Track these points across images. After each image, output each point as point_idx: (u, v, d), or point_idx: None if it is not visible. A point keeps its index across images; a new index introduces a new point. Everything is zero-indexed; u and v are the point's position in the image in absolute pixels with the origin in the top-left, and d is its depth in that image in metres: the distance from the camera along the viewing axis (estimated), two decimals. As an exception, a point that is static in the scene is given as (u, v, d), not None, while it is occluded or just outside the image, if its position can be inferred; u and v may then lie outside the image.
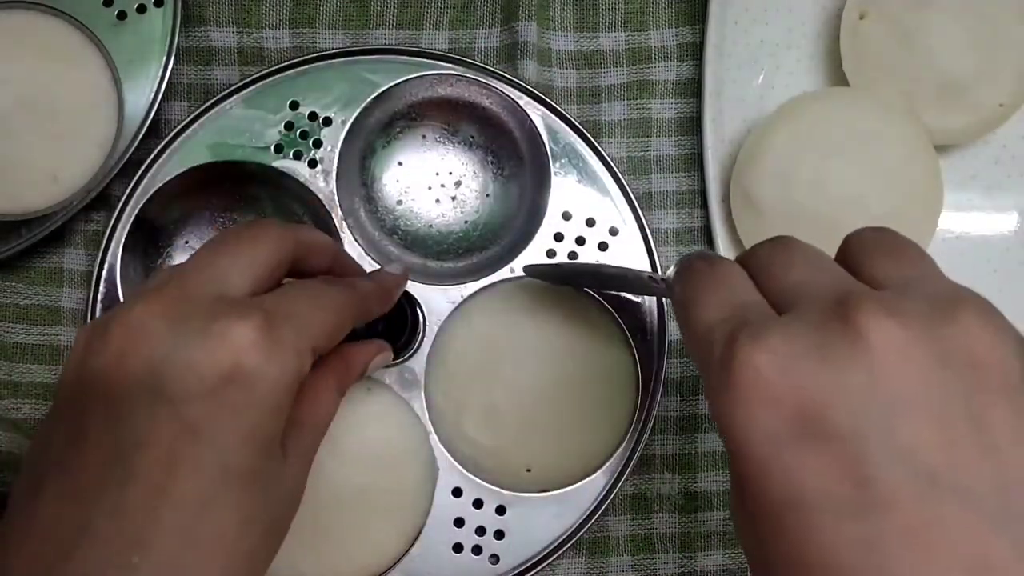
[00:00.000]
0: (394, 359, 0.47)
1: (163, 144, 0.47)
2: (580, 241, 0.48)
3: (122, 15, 0.47)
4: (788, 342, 0.23)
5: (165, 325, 0.28)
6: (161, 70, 0.47)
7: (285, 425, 0.30)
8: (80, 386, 0.29)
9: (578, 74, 0.51)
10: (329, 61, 0.48)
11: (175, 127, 0.47)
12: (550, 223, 0.48)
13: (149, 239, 0.49)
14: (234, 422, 0.28)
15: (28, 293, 0.49)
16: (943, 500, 0.21)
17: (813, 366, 0.23)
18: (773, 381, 0.23)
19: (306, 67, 0.48)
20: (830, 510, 0.22)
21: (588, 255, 0.48)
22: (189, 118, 0.47)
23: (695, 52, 0.51)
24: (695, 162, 0.50)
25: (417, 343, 0.47)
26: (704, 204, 0.50)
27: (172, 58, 0.47)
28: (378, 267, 0.47)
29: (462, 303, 0.47)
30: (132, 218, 0.47)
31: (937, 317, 0.23)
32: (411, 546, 0.46)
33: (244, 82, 0.48)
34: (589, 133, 0.48)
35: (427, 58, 0.48)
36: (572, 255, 0.48)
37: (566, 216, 0.48)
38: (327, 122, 0.48)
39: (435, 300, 0.47)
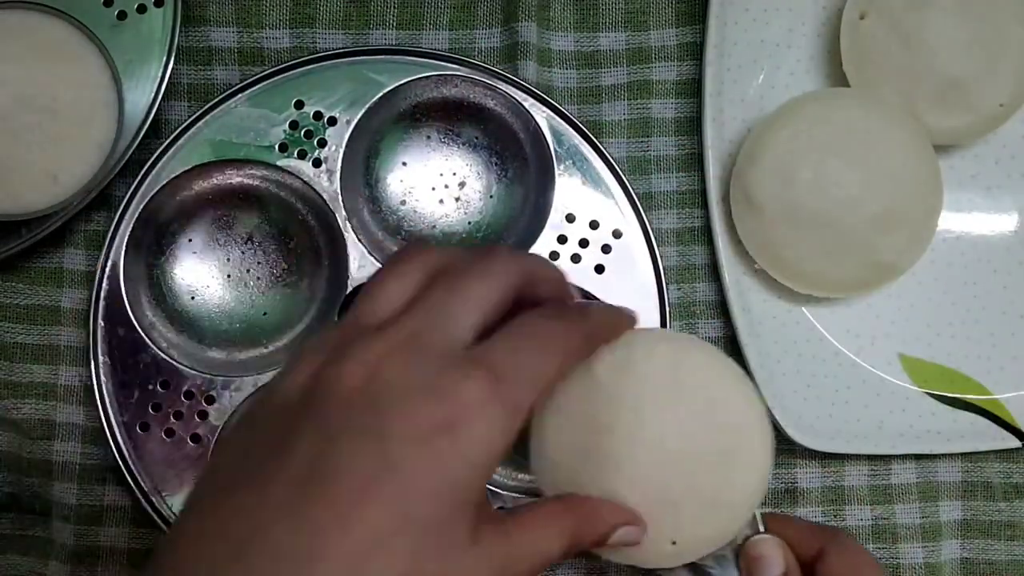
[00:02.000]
0: None
1: (167, 142, 0.47)
2: (584, 243, 0.48)
3: (122, 15, 0.47)
4: None
5: (398, 372, 0.29)
6: (161, 70, 0.47)
7: (486, 520, 0.30)
8: (300, 405, 0.30)
9: (578, 74, 0.51)
10: (334, 61, 0.48)
11: (176, 127, 0.47)
12: (554, 225, 0.48)
13: (153, 237, 0.49)
14: (435, 472, 0.28)
15: (28, 293, 0.49)
16: None
17: None
18: None
19: (311, 67, 0.48)
20: None
21: (591, 258, 0.48)
22: (193, 117, 0.47)
23: (695, 52, 0.51)
24: (695, 162, 0.50)
25: None
26: (704, 204, 0.50)
27: (172, 58, 0.47)
28: (375, 260, 0.47)
29: None
30: (136, 216, 0.47)
31: None
32: None
33: (248, 81, 0.48)
34: (590, 133, 0.48)
35: (432, 59, 0.48)
36: (575, 258, 0.48)
37: (570, 218, 0.48)
38: (332, 122, 0.48)
39: None
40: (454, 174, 0.50)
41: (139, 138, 0.47)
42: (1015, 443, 0.49)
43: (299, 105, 0.48)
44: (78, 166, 0.47)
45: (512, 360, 0.30)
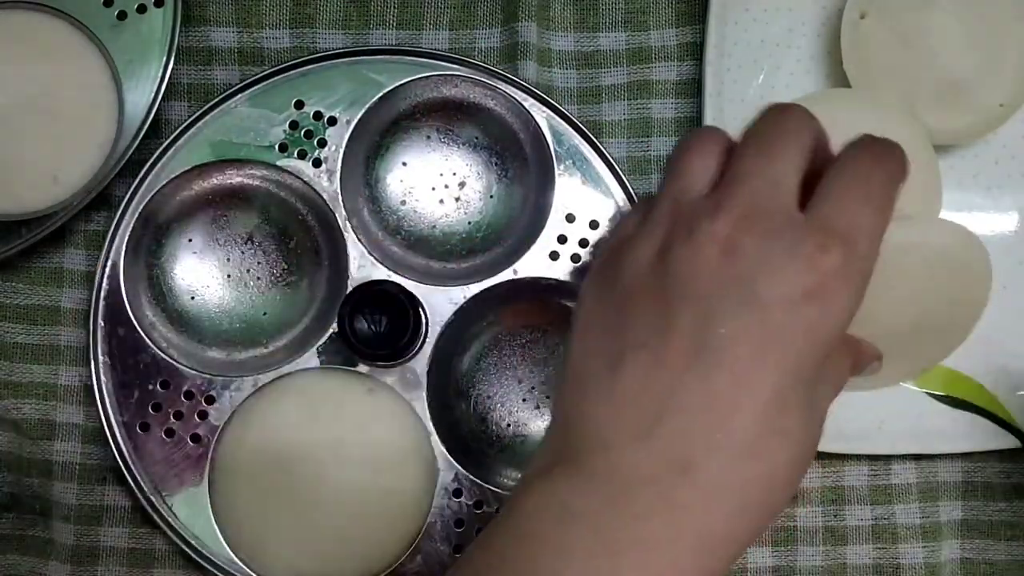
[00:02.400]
0: (395, 360, 0.47)
1: (167, 142, 0.47)
2: (583, 243, 0.48)
3: (122, 15, 0.47)
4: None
5: (753, 242, 0.32)
6: (161, 70, 0.47)
7: None
8: (661, 285, 0.32)
9: (578, 74, 0.51)
10: (334, 61, 0.48)
11: (176, 127, 0.47)
12: (553, 225, 0.48)
13: (152, 237, 0.49)
14: (808, 335, 0.31)
15: (28, 293, 0.49)
16: None
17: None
18: None
19: (311, 67, 0.48)
20: None
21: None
22: (193, 117, 0.47)
23: (695, 52, 0.51)
24: (695, 162, 0.50)
25: (419, 344, 0.47)
26: (704, 204, 0.50)
27: (172, 58, 0.47)
28: (382, 267, 0.47)
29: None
30: (136, 216, 0.47)
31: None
32: (411, 547, 0.46)
33: (248, 81, 0.48)
34: (590, 133, 0.48)
35: (432, 58, 0.48)
36: (575, 257, 0.48)
37: (570, 218, 0.48)
38: (332, 121, 0.48)
39: (438, 301, 0.47)
40: (454, 174, 0.50)
41: (139, 138, 0.47)
42: (1015, 443, 0.49)
43: (299, 105, 0.48)
44: (78, 166, 0.47)
45: (855, 223, 0.33)
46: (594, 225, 0.48)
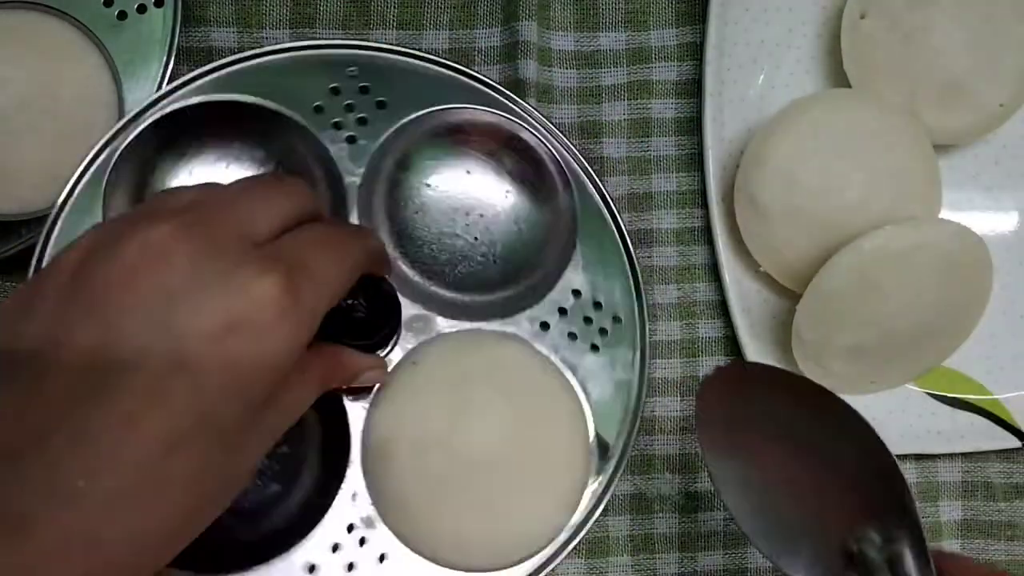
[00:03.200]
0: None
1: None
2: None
3: (122, 15, 0.47)
4: None
5: (187, 259, 0.27)
6: (161, 70, 0.47)
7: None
8: (75, 284, 0.27)
9: (578, 74, 0.51)
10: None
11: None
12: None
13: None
14: (228, 373, 0.27)
15: (28, 293, 0.49)
16: None
17: None
18: None
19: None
20: None
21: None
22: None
23: (695, 52, 0.51)
24: (695, 162, 0.50)
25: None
26: (704, 204, 0.50)
27: (172, 58, 0.47)
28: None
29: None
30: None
31: None
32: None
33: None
34: (588, 134, 0.48)
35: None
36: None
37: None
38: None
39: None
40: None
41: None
42: (1015, 443, 0.49)
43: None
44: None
45: (305, 258, 0.29)
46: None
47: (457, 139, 0.47)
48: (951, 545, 0.50)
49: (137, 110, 0.44)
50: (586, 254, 0.46)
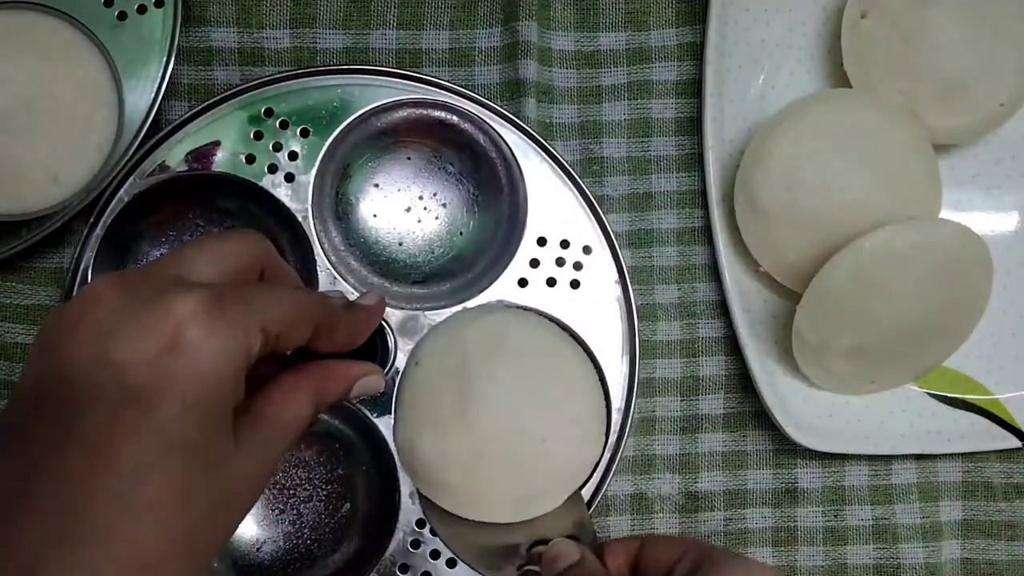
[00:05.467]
0: None
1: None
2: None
3: (122, 15, 0.47)
4: None
5: (118, 297, 0.29)
6: (161, 70, 0.47)
7: (239, 413, 0.31)
8: (40, 357, 0.29)
9: (578, 74, 0.51)
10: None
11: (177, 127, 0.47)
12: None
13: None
14: (175, 391, 0.28)
15: (28, 293, 0.49)
16: None
17: None
18: None
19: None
20: None
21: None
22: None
23: (695, 52, 0.51)
24: (695, 162, 0.50)
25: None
26: (704, 204, 0.50)
27: (172, 58, 0.47)
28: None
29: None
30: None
31: None
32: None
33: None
34: (588, 134, 0.48)
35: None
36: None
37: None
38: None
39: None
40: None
41: (139, 138, 0.47)
42: (1015, 443, 0.49)
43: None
44: (78, 166, 0.47)
45: (240, 291, 0.31)
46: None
47: (387, 135, 0.49)
48: (951, 545, 0.50)
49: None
50: (538, 201, 0.48)
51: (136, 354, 0.28)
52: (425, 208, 0.50)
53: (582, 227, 0.48)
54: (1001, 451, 0.50)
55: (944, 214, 0.48)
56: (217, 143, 0.47)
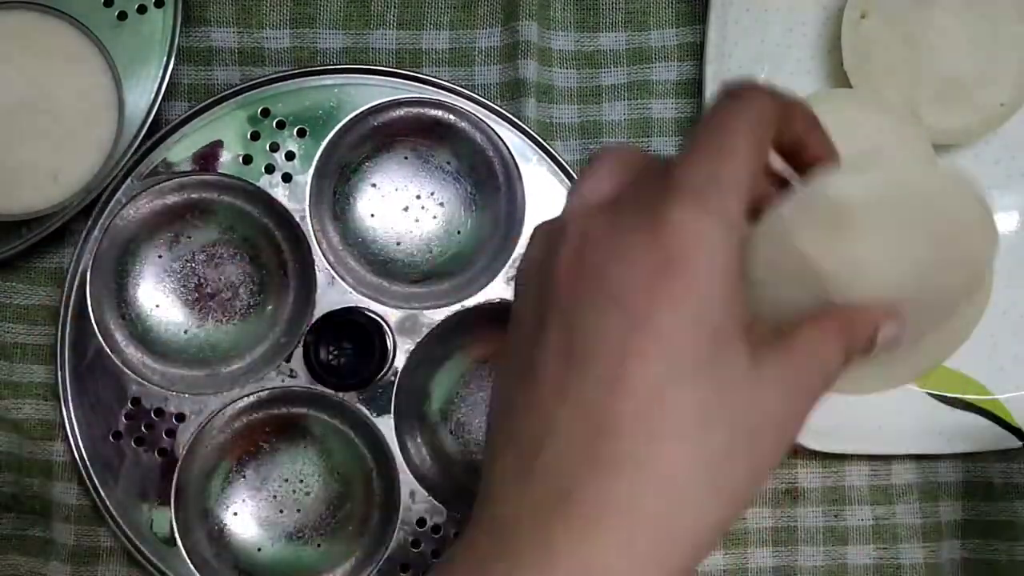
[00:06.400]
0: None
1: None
2: None
3: (122, 15, 0.47)
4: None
5: (601, 232, 0.29)
6: (161, 70, 0.47)
7: (768, 336, 0.30)
8: (537, 298, 0.30)
9: (578, 74, 0.51)
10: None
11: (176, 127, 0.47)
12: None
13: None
14: (675, 312, 0.28)
15: (28, 293, 0.49)
16: None
17: None
18: None
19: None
20: None
21: None
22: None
23: (696, 52, 0.51)
24: (695, 162, 0.50)
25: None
26: (704, 204, 0.50)
27: (172, 58, 0.47)
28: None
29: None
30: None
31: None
32: None
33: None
34: (588, 134, 0.48)
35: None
36: None
37: None
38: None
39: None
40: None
41: (139, 138, 0.47)
42: (1015, 443, 0.49)
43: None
44: (78, 166, 0.47)
45: (705, 169, 0.29)
46: None
47: (384, 135, 0.49)
48: (951, 545, 0.50)
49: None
50: (535, 200, 0.48)
51: (635, 283, 0.28)
52: (423, 207, 0.50)
53: None
54: (1001, 451, 0.50)
55: (944, 214, 0.48)
56: (219, 143, 0.47)
